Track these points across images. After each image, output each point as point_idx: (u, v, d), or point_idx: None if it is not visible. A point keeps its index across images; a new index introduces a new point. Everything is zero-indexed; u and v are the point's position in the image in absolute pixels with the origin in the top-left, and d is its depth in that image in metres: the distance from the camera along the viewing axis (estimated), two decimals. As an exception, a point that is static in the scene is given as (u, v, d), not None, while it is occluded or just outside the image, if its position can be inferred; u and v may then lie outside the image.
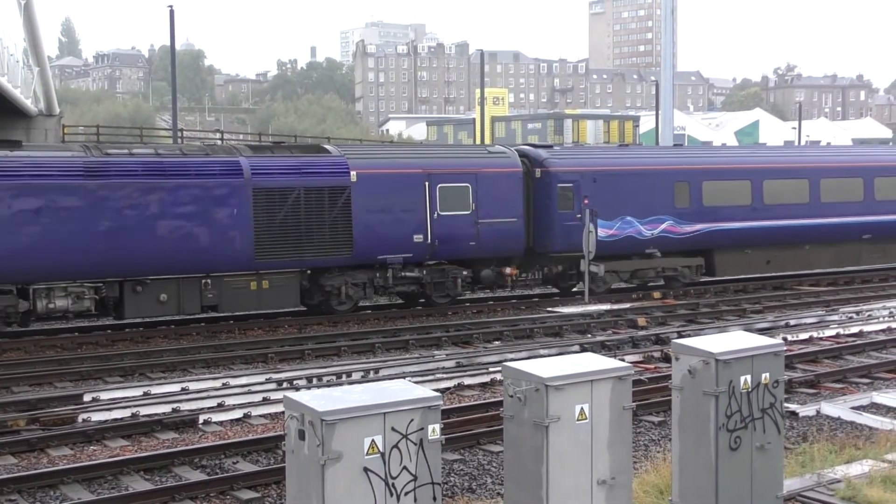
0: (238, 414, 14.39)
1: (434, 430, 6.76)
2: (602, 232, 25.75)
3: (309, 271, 23.27)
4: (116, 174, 21.21)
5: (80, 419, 13.97)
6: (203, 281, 21.87)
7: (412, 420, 6.66)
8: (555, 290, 27.35)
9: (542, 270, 26.93)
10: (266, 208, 22.38)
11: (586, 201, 25.74)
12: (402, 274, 24.13)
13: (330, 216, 23.07)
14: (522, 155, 26.38)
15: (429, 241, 24.18)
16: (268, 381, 16.36)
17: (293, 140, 50.20)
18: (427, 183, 24.32)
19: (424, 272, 24.40)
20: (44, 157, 21.21)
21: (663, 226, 27.24)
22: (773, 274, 29.85)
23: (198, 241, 21.71)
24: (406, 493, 6.66)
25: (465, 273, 24.96)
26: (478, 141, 69.01)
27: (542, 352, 18.50)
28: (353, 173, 23.50)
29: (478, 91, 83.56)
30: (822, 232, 29.66)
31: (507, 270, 25.76)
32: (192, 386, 16.04)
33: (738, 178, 28.65)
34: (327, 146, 24.96)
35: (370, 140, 69.52)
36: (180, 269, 21.62)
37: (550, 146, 28.92)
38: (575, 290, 26.96)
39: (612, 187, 26.51)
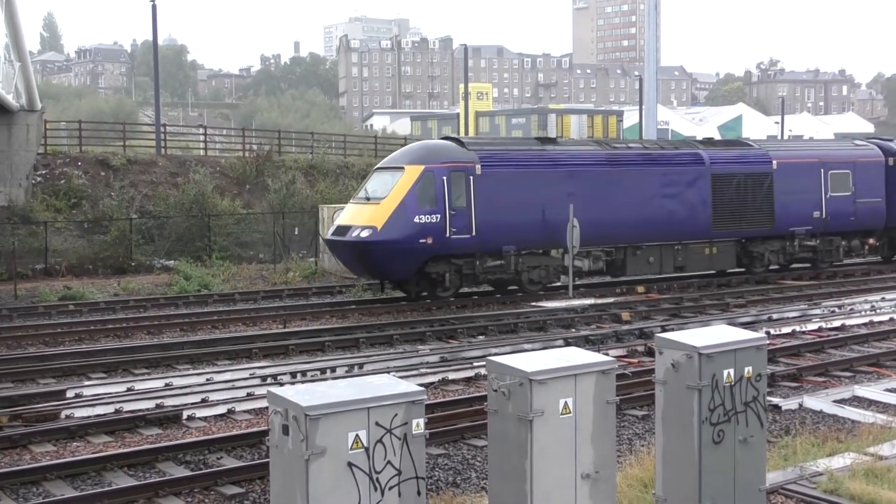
0: (222, 409, 14.35)
1: (418, 425, 6.76)
2: None
3: (743, 240, 29.47)
4: (625, 163, 27.40)
5: (62, 415, 13.91)
6: (675, 247, 27.95)
7: (396, 415, 6.65)
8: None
9: (889, 242, 33.52)
10: (719, 190, 28.68)
11: None
12: (804, 243, 30.60)
13: (758, 196, 29.51)
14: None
15: (823, 216, 30.75)
16: (252, 376, 16.33)
17: (277, 135, 50.06)
18: (822, 170, 30.91)
19: (818, 242, 30.84)
20: (579, 150, 27.68)
21: None
22: None
23: (674, 216, 27.86)
24: (390, 488, 6.65)
25: (843, 243, 31.50)
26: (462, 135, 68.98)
27: (526, 346, 18.52)
28: (774, 162, 30.04)
29: (462, 86, 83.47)
30: None
31: (871, 241, 32.56)
32: (176, 382, 15.99)
33: None
34: (748, 141, 32.23)
35: (354, 135, 69.36)
36: (663, 238, 27.73)
37: (890, 139, 35.33)
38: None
39: None
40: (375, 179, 25.52)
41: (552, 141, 28.08)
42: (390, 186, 24.42)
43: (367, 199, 24.87)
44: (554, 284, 26.60)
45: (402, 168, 24.69)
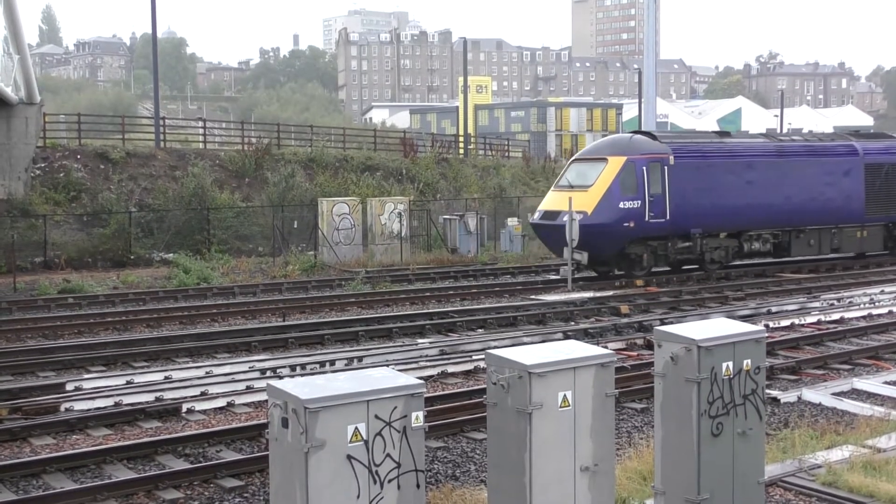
0: (221, 402, 14.35)
1: (417, 418, 6.76)
2: None
3: (890, 224, 32.35)
4: (792, 154, 30.24)
5: (62, 408, 13.91)
6: (832, 230, 30.76)
7: (396, 408, 6.65)
8: (537, 279, 27.42)
9: None
10: (871, 178, 31.52)
11: None
12: None
13: None
14: None
15: None
16: (251, 369, 16.33)
17: (276, 128, 50.01)
18: None
19: None
20: (753, 142, 31.02)
21: None
22: None
23: (833, 202, 30.64)
24: (389, 481, 6.66)
25: None
26: (461, 129, 68.78)
27: (525, 339, 18.51)
28: None
29: (461, 79, 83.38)
30: None
31: None
32: (176, 374, 16.00)
33: None
34: (891, 133, 35.88)
35: (353, 128, 69.25)
36: (822, 222, 30.48)
37: None
38: None
39: None
40: (575, 169, 28.09)
41: (727, 134, 31.40)
42: (594, 175, 26.86)
43: (571, 186, 27.08)
44: (733, 264, 29.36)
45: (605, 159, 27.17)
